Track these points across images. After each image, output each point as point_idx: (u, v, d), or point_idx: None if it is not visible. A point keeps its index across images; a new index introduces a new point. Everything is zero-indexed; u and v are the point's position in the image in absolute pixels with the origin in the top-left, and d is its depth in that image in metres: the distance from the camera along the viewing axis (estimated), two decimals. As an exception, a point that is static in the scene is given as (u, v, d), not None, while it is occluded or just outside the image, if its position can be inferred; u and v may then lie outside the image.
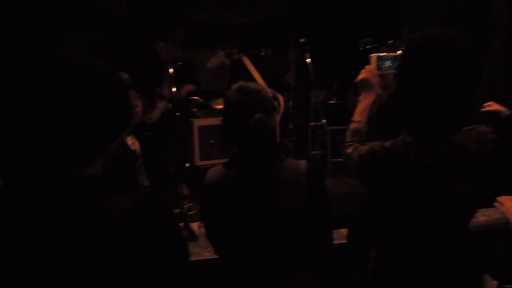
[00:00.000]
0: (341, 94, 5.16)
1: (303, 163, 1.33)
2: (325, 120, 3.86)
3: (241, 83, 1.38)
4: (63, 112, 0.79)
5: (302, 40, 3.53)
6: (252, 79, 3.73)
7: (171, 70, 3.50)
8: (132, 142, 2.18)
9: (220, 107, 4.18)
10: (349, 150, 1.33)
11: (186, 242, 0.94)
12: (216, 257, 1.47)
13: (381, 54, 1.44)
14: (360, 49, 5.55)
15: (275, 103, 3.91)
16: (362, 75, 1.45)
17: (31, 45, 2.28)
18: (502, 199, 1.75)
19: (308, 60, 3.47)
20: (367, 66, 1.46)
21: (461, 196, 1.23)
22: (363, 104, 1.44)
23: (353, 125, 1.42)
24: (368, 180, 1.31)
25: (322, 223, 1.34)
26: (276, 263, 1.31)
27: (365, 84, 1.44)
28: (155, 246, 0.82)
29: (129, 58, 2.93)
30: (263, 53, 4.09)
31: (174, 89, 3.45)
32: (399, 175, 1.22)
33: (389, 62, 1.42)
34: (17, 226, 0.78)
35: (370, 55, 1.47)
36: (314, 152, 4.85)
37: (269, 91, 4.12)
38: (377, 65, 1.44)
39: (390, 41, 3.89)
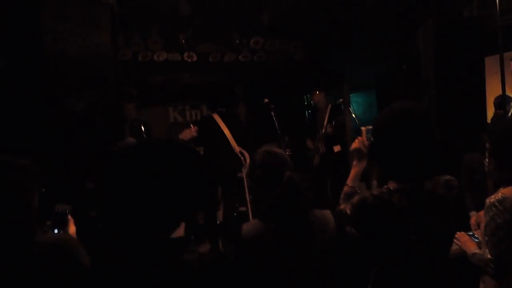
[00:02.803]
0: (293, 145, 5.51)
1: (327, 212, 1.54)
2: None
3: (265, 147, 1.59)
4: (162, 189, 0.95)
5: (266, 100, 3.87)
6: (223, 135, 3.95)
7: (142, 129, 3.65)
8: None
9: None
10: (341, 207, 1.53)
11: None
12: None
13: (370, 127, 1.62)
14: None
15: (242, 159, 4.16)
16: (355, 145, 1.66)
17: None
18: (458, 234, 2.09)
19: (273, 116, 3.80)
20: (358, 138, 1.68)
21: (436, 233, 1.49)
22: (355, 170, 1.66)
23: (346, 189, 1.64)
24: (360, 224, 1.51)
25: (356, 261, 1.54)
26: None
27: (358, 153, 1.65)
28: None
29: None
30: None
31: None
32: (386, 217, 1.45)
33: None
34: (121, 277, 0.94)
35: (361, 127, 1.68)
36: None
37: (237, 147, 4.31)
38: (367, 136, 1.64)
39: (341, 100, 4.44)
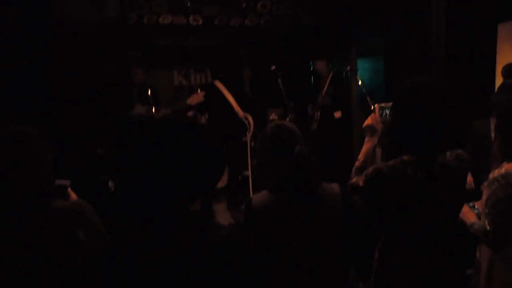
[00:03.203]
0: (297, 111, 5.51)
1: (335, 185, 1.59)
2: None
3: (276, 121, 1.62)
4: (182, 165, 1.00)
5: (273, 67, 3.87)
6: (226, 101, 3.97)
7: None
8: None
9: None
10: (353, 180, 1.59)
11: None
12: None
13: (382, 104, 1.68)
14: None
15: (246, 122, 4.20)
16: (368, 121, 1.70)
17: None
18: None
19: (280, 83, 3.81)
20: (372, 114, 1.71)
21: (446, 203, 1.56)
22: (367, 146, 1.70)
23: (357, 164, 1.69)
24: (373, 194, 1.56)
25: (362, 231, 1.61)
26: (317, 275, 1.54)
27: (370, 129, 1.69)
28: (245, 269, 1.04)
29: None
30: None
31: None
32: (400, 186, 1.51)
33: (388, 110, 1.67)
34: (142, 250, 0.99)
35: (375, 104, 1.71)
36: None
37: (241, 112, 4.36)
38: (380, 113, 1.69)
39: (348, 67, 4.40)
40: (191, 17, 4.80)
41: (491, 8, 4.60)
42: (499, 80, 4.99)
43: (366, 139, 1.72)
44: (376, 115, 1.69)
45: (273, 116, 6.02)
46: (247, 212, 1.55)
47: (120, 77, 2.77)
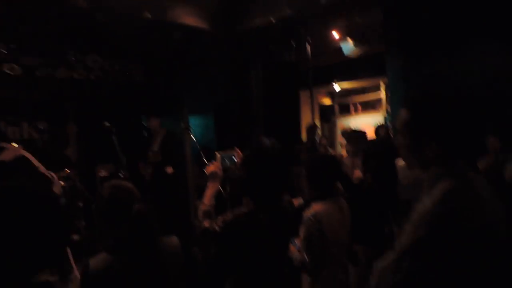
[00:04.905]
0: (130, 167, 5.38)
1: (174, 238, 1.66)
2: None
3: (112, 181, 1.61)
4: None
5: (107, 124, 3.76)
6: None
7: None
8: None
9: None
10: (206, 225, 1.72)
11: None
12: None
13: (222, 153, 1.89)
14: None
15: (50, 176, 3.79)
16: (210, 168, 1.87)
17: None
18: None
19: (114, 139, 3.71)
20: (214, 162, 1.90)
21: (286, 240, 1.87)
22: (211, 190, 1.85)
23: (204, 207, 1.81)
24: (230, 238, 1.69)
25: (203, 276, 1.67)
26: None
27: (213, 175, 1.86)
28: None
29: None
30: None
31: None
32: (255, 230, 1.69)
33: (228, 158, 1.91)
34: None
35: (216, 152, 1.92)
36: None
37: (41, 167, 3.91)
38: (221, 161, 1.90)
39: (182, 124, 4.64)
40: (6, 66, 4.34)
41: (294, 79, 5.72)
42: (304, 135, 6.14)
43: (209, 184, 1.87)
44: (217, 163, 1.87)
45: (102, 173, 5.69)
46: (84, 277, 1.45)
47: None
